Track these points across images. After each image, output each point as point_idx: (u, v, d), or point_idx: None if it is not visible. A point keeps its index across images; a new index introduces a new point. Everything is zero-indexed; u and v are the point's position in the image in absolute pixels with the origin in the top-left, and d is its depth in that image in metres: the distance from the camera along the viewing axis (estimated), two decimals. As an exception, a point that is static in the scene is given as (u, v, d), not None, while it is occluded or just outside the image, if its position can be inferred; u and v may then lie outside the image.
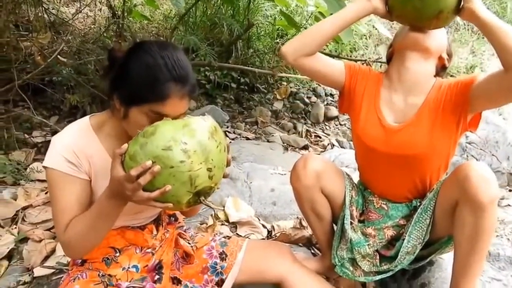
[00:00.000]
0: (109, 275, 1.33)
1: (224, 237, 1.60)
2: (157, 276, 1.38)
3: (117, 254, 1.37)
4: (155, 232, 1.45)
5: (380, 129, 1.53)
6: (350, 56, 5.90)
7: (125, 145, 1.06)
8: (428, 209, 1.51)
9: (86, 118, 1.28)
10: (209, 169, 1.08)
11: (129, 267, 1.36)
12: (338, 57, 4.70)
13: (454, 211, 1.38)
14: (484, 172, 1.30)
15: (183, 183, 1.04)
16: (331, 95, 5.08)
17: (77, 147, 1.20)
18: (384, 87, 1.57)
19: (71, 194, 1.21)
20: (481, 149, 4.22)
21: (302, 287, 1.52)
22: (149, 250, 1.41)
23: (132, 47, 1.18)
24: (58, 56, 3.04)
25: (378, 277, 1.58)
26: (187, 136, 1.04)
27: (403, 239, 1.54)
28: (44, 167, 1.21)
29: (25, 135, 3.04)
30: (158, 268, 1.40)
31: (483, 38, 6.85)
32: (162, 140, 1.02)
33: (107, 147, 1.26)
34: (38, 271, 1.72)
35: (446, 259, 1.81)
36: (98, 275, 1.32)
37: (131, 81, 1.13)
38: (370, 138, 1.56)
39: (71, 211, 1.21)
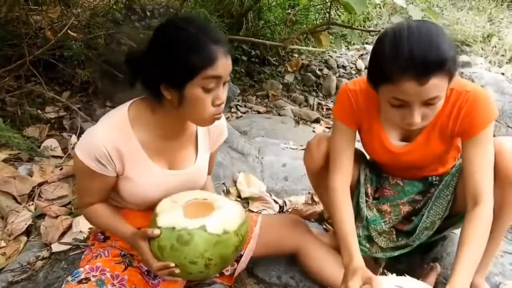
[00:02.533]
0: (131, 254, 1.37)
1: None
2: None
3: None
4: None
5: (386, 151, 1.48)
6: (364, 26, 5.77)
7: (157, 231, 1.16)
8: (450, 185, 1.49)
9: (125, 110, 1.25)
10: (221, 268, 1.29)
11: None
12: (351, 27, 4.60)
13: None
14: None
15: (195, 276, 1.22)
16: (343, 67, 5.01)
17: (111, 146, 1.20)
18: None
19: (94, 186, 1.29)
20: (496, 120, 4.17)
21: (318, 257, 1.56)
22: None
23: (156, 33, 1.18)
24: (68, 31, 3.01)
25: (396, 253, 1.57)
26: (216, 253, 1.17)
27: (422, 215, 1.53)
28: (75, 152, 1.23)
29: (38, 111, 3.06)
30: None
31: (501, 5, 6.64)
32: (192, 254, 1.14)
33: (144, 143, 1.27)
34: (56, 247, 1.76)
35: (458, 234, 1.81)
36: (120, 254, 1.35)
37: (176, 59, 1.12)
38: (377, 157, 1.55)
39: (91, 196, 1.32)
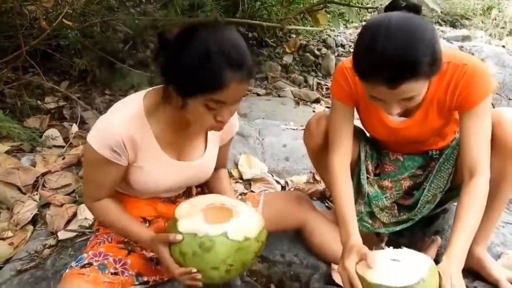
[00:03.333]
0: (135, 242, 1.37)
1: (240, 194, 1.64)
2: None
3: (147, 225, 1.40)
4: None
5: (385, 127, 1.48)
6: (361, 3, 5.70)
7: (180, 237, 1.15)
8: (451, 158, 1.49)
9: (140, 100, 1.23)
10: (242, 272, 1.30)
11: None
12: (348, 5, 4.55)
13: None
14: None
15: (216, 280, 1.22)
16: (342, 45, 4.98)
17: (126, 136, 1.19)
18: None
19: (105, 176, 1.26)
20: (497, 93, 4.15)
21: (322, 233, 1.58)
22: None
23: (183, 32, 1.12)
24: (63, 20, 3.00)
25: (398, 228, 1.58)
26: (237, 259, 1.18)
27: (423, 188, 1.54)
28: (87, 141, 1.20)
29: (38, 101, 3.06)
30: None
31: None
32: (214, 261, 1.15)
33: (157, 134, 1.26)
34: (62, 235, 1.79)
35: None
36: (123, 241, 1.37)
37: (185, 72, 1.08)
38: (377, 134, 1.55)
39: (100, 189, 1.29)
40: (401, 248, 1.20)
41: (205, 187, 1.59)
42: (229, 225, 1.18)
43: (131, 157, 1.24)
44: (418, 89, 1.14)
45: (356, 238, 1.27)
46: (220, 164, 1.57)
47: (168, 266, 1.20)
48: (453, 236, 1.19)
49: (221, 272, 1.16)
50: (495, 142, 1.31)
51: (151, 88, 1.29)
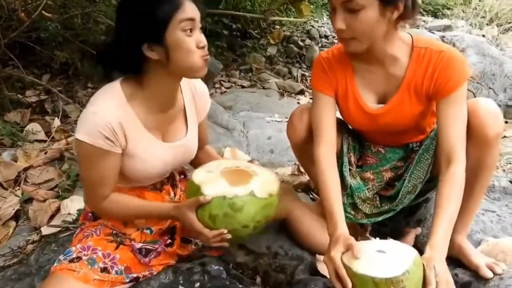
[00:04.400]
0: (123, 233, 1.38)
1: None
2: (169, 241, 1.43)
3: None
4: (172, 194, 1.50)
5: (362, 114, 1.49)
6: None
7: (209, 197, 1.20)
8: (430, 148, 1.52)
9: (118, 87, 1.26)
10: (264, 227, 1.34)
11: (143, 229, 1.40)
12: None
13: None
14: (491, 108, 1.32)
15: (243, 238, 1.34)
16: (326, 36, 4.99)
17: (115, 122, 1.20)
18: (355, 58, 1.44)
19: (105, 168, 1.25)
20: (477, 82, 4.21)
21: (306, 223, 1.60)
22: None
23: (119, 6, 1.22)
24: (43, 11, 2.94)
25: (380, 218, 1.61)
26: (263, 215, 1.26)
27: (404, 179, 1.57)
28: (77, 139, 1.19)
29: (18, 95, 3.01)
30: (171, 233, 1.44)
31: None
32: (245, 219, 1.22)
33: (141, 117, 1.28)
34: (46, 230, 1.77)
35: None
36: (111, 233, 1.37)
37: (146, 15, 1.15)
38: (356, 122, 1.56)
39: (106, 184, 1.27)
40: (387, 239, 1.22)
41: (197, 164, 1.60)
42: (253, 184, 1.26)
43: (122, 144, 1.25)
44: None
45: (343, 229, 1.28)
46: (203, 141, 1.61)
47: (199, 231, 1.24)
48: (434, 225, 1.22)
49: (250, 229, 1.24)
50: (472, 131, 1.33)
51: (122, 77, 1.30)
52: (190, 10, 1.19)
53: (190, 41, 1.19)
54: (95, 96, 1.25)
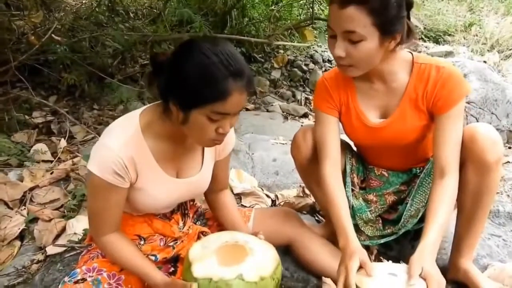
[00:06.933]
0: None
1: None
2: (172, 269, 1.42)
3: (142, 243, 1.39)
4: (181, 224, 1.48)
5: (365, 128, 1.51)
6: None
7: (195, 285, 1.11)
8: (432, 172, 1.52)
9: (137, 119, 1.23)
10: None
11: (148, 255, 1.38)
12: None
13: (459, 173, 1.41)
14: (490, 133, 1.33)
15: None
16: (329, 61, 5.05)
17: (127, 158, 1.18)
18: (356, 77, 1.47)
19: (110, 202, 1.23)
20: (480, 107, 4.23)
21: (312, 248, 1.59)
22: (171, 244, 1.43)
23: (180, 48, 1.14)
24: (52, 35, 3.01)
25: (382, 240, 1.62)
26: None
27: (406, 203, 1.58)
28: (89, 170, 1.18)
29: (26, 116, 3.04)
30: (174, 261, 1.44)
31: (481, -6, 6.73)
32: None
33: (154, 150, 1.25)
34: (51, 250, 1.76)
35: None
36: None
37: (188, 84, 1.08)
38: (359, 137, 1.58)
39: (107, 219, 1.26)
40: (400, 263, 1.21)
41: (216, 217, 1.58)
42: (244, 266, 1.16)
43: (132, 178, 1.23)
44: (361, 25, 1.21)
45: (355, 242, 1.30)
46: (222, 184, 1.56)
47: None
48: (426, 229, 1.25)
49: None
50: (471, 157, 1.34)
51: (148, 106, 1.29)
52: (234, 105, 1.10)
53: (211, 126, 1.13)
54: (113, 125, 1.24)
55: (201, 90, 1.07)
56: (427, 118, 1.42)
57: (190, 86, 1.08)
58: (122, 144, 1.17)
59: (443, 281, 1.13)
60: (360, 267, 1.20)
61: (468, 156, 1.35)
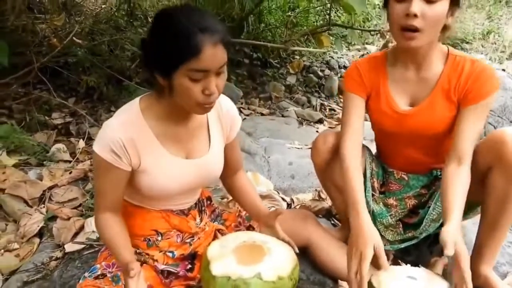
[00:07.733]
0: (147, 254, 1.37)
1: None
2: (189, 266, 1.42)
3: (159, 238, 1.40)
4: (198, 220, 1.49)
5: (393, 114, 1.51)
6: (363, 26, 5.81)
7: (134, 273, 1.12)
8: None
9: (137, 103, 1.26)
10: None
11: (166, 251, 1.39)
12: (351, 27, 4.64)
13: (483, 177, 1.40)
14: None
15: None
16: (345, 67, 5.04)
17: (126, 138, 1.20)
18: (390, 64, 1.51)
19: (108, 182, 1.26)
20: (498, 116, 4.19)
21: (328, 250, 1.59)
22: (188, 240, 1.44)
23: (154, 19, 1.16)
24: (74, 38, 3.06)
25: (403, 245, 1.61)
26: None
27: (428, 207, 1.56)
28: (93, 149, 1.23)
29: (45, 117, 3.09)
30: (192, 258, 1.44)
31: (500, 2, 6.67)
32: None
33: (156, 131, 1.27)
34: (69, 247, 1.78)
35: (467, 226, 1.83)
36: (136, 252, 1.36)
37: (161, 48, 1.10)
38: (384, 124, 1.57)
39: (106, 197, 1.29)
40: (418, 266, 1.21)
41: (234, 202, 1.59)
42: (262, 265, 1.17)
43: (134, 161, 1.24)
44: None
45: (369, 224, 1.32)
46: (236, 164, 1.58)
47: None
48: (449, 209, 1.26)
49: None
50: (500, 160, 1.33)
51: (146, 93, 1.31)
52: (209, 60, 1.09)
53: (195, 88, 1.12)
54: (117, 112, 1.27)
55: (174, 51, 1.08)
56: (456, 110, 1.43)
57: (163, 49, 1.10)
58: (121, 124, 1.21)
59: (467, 255, 1.14)
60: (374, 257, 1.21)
61: (497, 160, 1.34)
